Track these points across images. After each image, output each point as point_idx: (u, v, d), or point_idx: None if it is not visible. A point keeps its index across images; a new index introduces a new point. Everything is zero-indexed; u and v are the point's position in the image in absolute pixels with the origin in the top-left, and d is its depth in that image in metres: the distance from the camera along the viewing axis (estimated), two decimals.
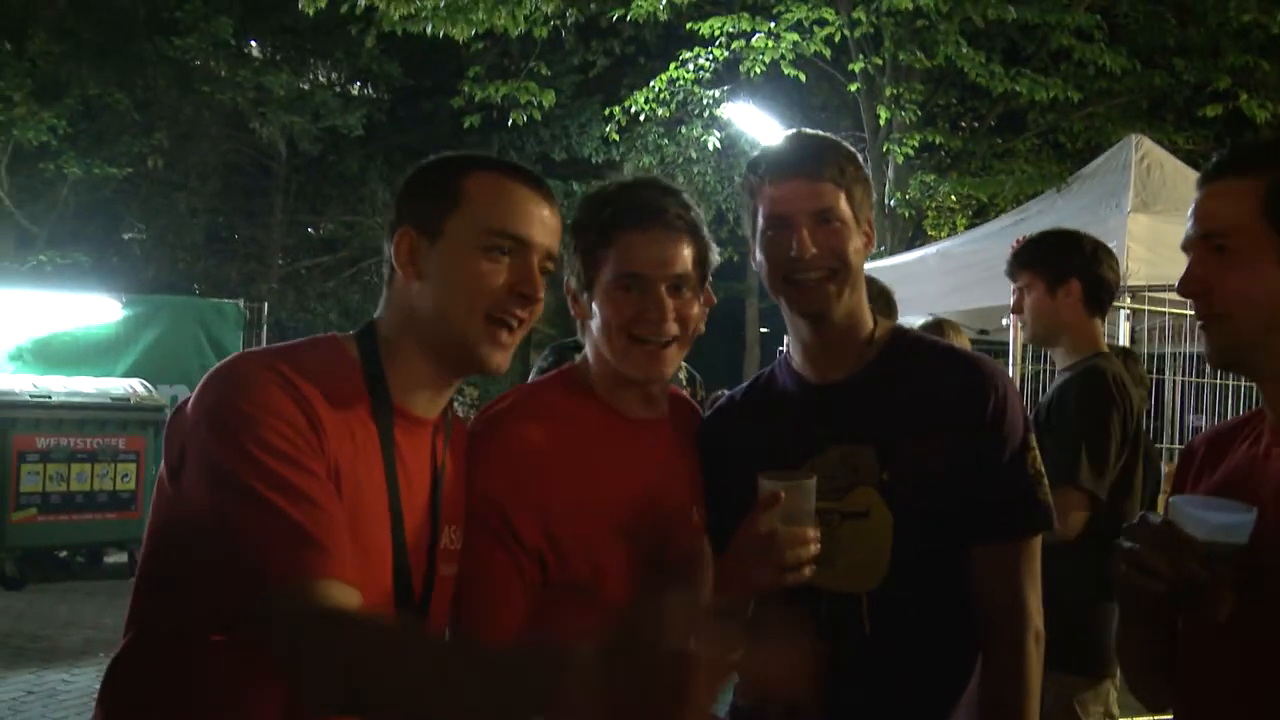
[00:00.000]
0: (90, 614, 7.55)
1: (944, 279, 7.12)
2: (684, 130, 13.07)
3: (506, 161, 1.70)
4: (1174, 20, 11.74)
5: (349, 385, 1.55)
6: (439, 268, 1.59)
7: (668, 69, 11.82)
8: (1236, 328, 1.52)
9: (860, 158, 1.89)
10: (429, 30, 10.38)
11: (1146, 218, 6.08)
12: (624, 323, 1.78)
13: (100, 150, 13.80)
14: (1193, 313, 1.59)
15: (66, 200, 14.17)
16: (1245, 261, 1.50)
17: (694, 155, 13.37)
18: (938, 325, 4.16)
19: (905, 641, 1.78)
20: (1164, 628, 1.62)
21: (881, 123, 11.39)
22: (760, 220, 1.83)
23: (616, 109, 12.22)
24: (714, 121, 12.83)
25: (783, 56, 10.97)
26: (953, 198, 12.82)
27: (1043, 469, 1.84)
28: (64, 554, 9.07)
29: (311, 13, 10.18)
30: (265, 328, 11.37)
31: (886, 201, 11.25)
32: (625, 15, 11.29)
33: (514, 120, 12.05)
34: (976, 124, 13.71)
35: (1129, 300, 5.62)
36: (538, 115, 12.14)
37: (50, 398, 8.52)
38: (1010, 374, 4.50)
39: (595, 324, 1.82)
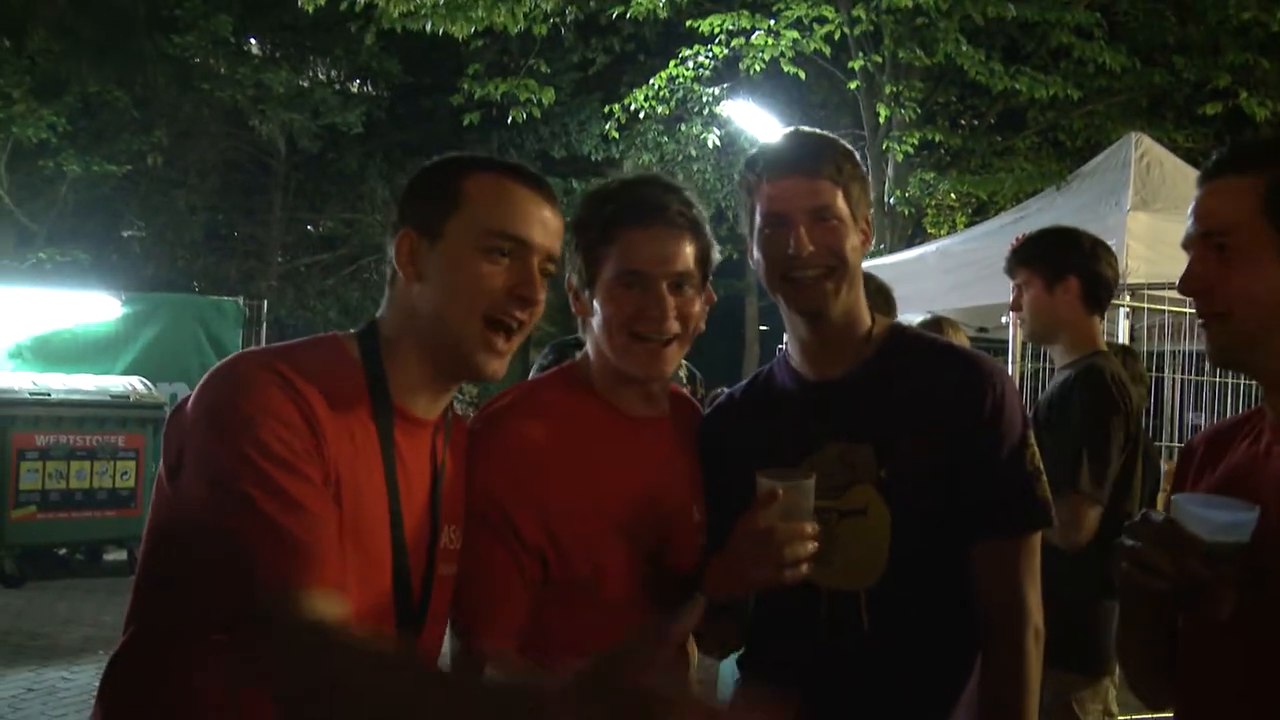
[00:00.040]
0: (90, 611, 7.54)
1: (943, 277, 7.12)
2: (684, 128, 13.07)
3: (508, 162, 1.69)
4: (1174, 18, 11.73)
5: (349, 385, 1.55)
6: (439, 269, 1.58)
7: (667, 66, 11.81)
8: (1237, 326, 1.52)
9: (858, 156, 1.89)
10: (428, 27, 10.38)
11: (1146, 216, 6.08)
12: (625, 320, 1.78)
13: (100, 148, 13.79)
14: (1192, 311, 1.59)
15: (66, 198, 14.17)
16: (1245, 259, 1.50)
17: (694, 153, 13.37)
18: (936, 323, 4.16)
19: (904, 639, 1.78)
20: (1165, 626, 1.62)
21: (881, 120, 11.39)
22: (758, 218, 1.83)
23: (616, 106, 12.21)
24: (714, 119, 12.83)
25: (782, 54, 10.96)
26: (952, 196, 12.81)
27: (1041, 466, 1.84)
28: (63, 551, 9.06)
29: (311, 10, 10.17)
30: (265, 325, 11.35)
31: (886, 199, 11.25)
32: (625, 12, 11.30)
33: (513, 118, 12.04)
34: (976, 122, 13.71)
35: (1128, 298, 5.61)
36: (537, 113, 12.13)
37: (50, 395, 8.51)
38: (1010, 372, 4.50)
39: (596, 321, 1.82)
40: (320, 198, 17.41)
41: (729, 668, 2.30)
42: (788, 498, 1.61)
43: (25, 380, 8.67)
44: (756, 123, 12.70)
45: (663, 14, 11.40)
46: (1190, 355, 6.29)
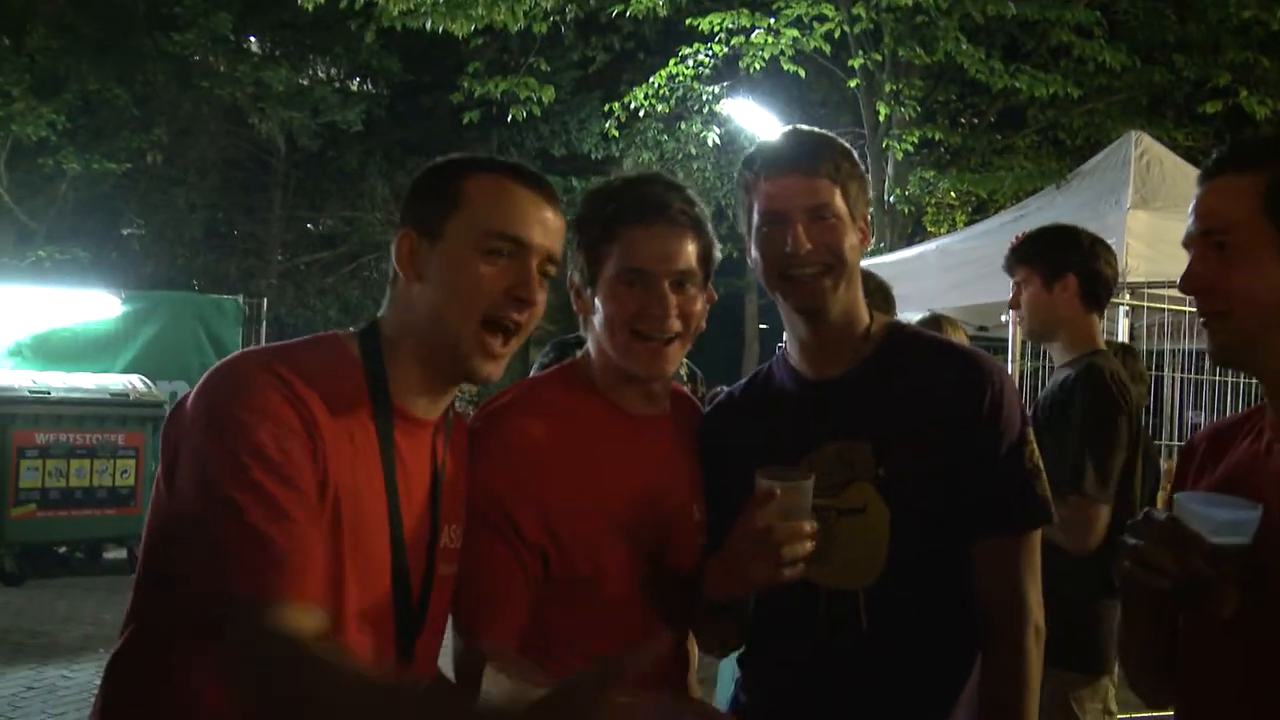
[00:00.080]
0: (90, 610, 7.54)
1: (943, 275, 7.12)
2: (684, 126, 13.06)
3: (510, 163, 1.69)
4: (1174, 16, 11.72)
5: (350, 385, 1.55)
6: (438, 270, 1.58)
7: (667, 65, 11.80)
8: (1238, 324, 1.52)
9: (858, 154, 1.88)
10: (428, 25, 10.37)
11: (1146, 214, 6.08)
12: (627, 318, 1.78)
13: (99, 145, 13.80)
14: (1192, 309, 1.59)
15: (65, 196, 14.18)
16: (1246, 258, 1.49)
17: (694, 151, 13.36)
18: (935, 321, 4.15)
19: (904, 637, 1.78)
20: (1166, 625, 1.62)
21: (881, 119, 11.39)
22: (755, 216, 1.83)
23: (616, 105, 12.21)
24: (714, 117, 12.82)
25: (782, 52, 10.96)
26: (952, 194, 12.82)
27: (1040, 464, 1.84)
28: (63, 550, 9.06)
29: (311, 8, 10.17)
30: (264, 324, 11.35)
31: (886, 198, 11.25)
32: (625, 11, 11.30)
33: (513, 116, 12.03)
34: (976, 120, 13.71)
35: (1128, 297, 5.61)
36: (537, 111, 12.13)
37: (49, 394, 8.50)
38: (1009, 370, 4.50)
39: (598, 319, 1.82)
40: (320, 196, 17.42)
41: (729, 667, 2.30)
42: (785, 497, 1.61)
43: (25, 378, 8.67)
44: (756, 121, 12.71)
45: (663, 12, 11.39)
46: (1190, 354, 6.29)
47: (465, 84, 12.12)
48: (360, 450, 1.52)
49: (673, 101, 12.08)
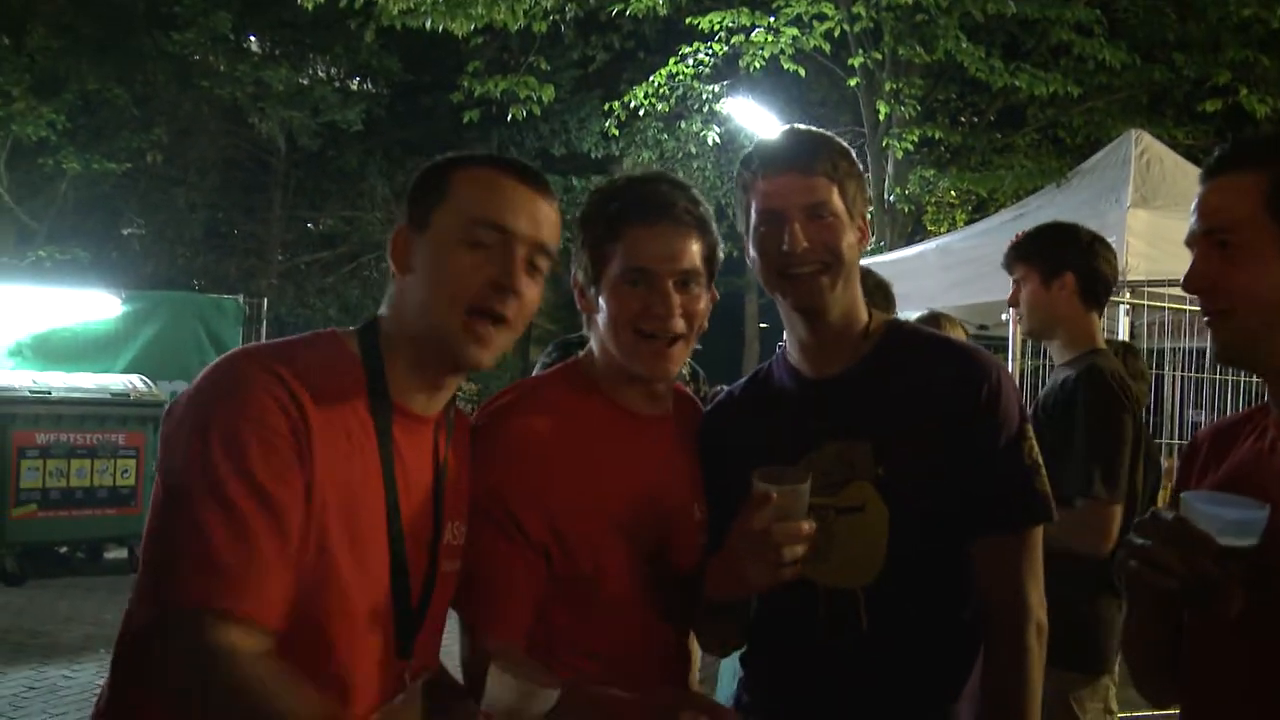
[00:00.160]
0: (91, 610, 7.54)
1: (943, 274, 7.12)
2: (683, 125, 13.05)
3: (502, 157, 1.68)
4: (1174, 15, 11.71)
5: (348, 382, 1.55)
6: (424, 259, 1.58)
7: (667, 64, 11.80)
8: (1241, 323, 1.52)
9: (857, 153, 1.88)
10: (428, 25, 10.36)
11: (1146, 213, 6.07)
12: (630, 317, 1.78)
13: (99, 145, 13.79)
14: (1192, 308, 1.59)
15: (65, 195, 14.17)
16: (1249, 257, 1.49)
17: (693, 150, 13.35)
18: (934, 319, 4.15)
19: (904, 636, 1.78)
20: (1171, 625, 1.62)
21: (881, 118, 11.38)
22: (753, 215, 1.83)
23: (616, 104, 12.21)
24: (713, 116, 12.81)
25: (782, 51, 10.95)
26: (952, 193, 12.81)
27: (1040, 460, 1.83)
28: (64, 550, 9.06)
29: (310, 7, 10.16)
30: (265, 323, 11.35)
31: (886, 196, 11.24)
32: (625, 10, 11.29)
33: (513, 115, 12.02)
34: (976, 119, 13.71)
35: (1129, 295, 5.61)
36: (537, 110, 12.11)
37: (50, 394, 8.50)
38: (1010, 369, 4.50)
39: (602, 318, 1.82)
40: (320, 195, 17.41)
41: (731, 665, 2.30)
42: (782, 500, 1.60)
43: (25, 378, 8.67)
44: (756, 120, 12.70)
45: (662, 11, 11.38)
46: (1191, 352, 6.28)
47: (465, 83, 12.11)
48: (357, 447, 1.52)
49: (673, 100, 12.08)
